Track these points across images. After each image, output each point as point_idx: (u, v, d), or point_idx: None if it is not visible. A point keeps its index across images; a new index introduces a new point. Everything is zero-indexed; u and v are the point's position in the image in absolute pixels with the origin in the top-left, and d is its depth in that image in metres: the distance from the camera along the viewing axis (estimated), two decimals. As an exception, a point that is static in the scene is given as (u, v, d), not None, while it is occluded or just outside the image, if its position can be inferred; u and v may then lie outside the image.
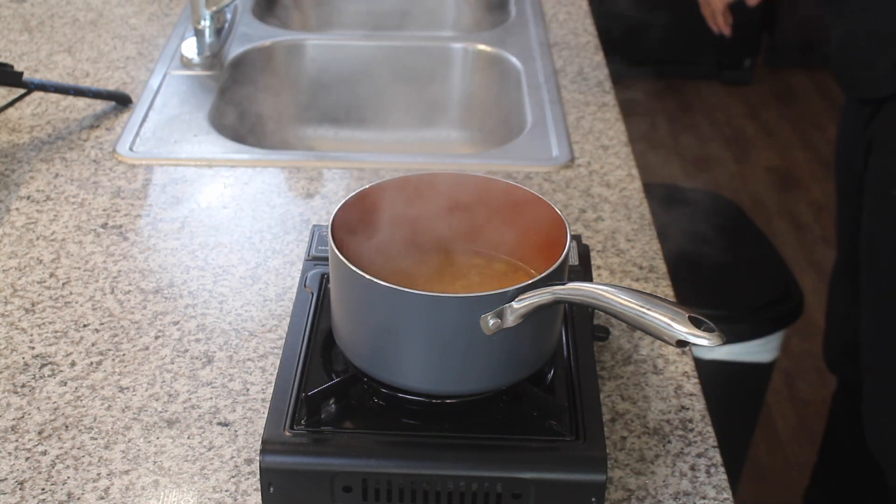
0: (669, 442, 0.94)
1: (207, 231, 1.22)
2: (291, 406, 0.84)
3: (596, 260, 1.18)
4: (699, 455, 0.93)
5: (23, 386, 0.99)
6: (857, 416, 1.75)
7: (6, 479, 0.89)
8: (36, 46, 1.67)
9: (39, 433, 0.94)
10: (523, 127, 1.48)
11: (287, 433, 0.81)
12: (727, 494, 0.89)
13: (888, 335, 1.51)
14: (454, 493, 0.80)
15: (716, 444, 0.94)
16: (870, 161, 1.51)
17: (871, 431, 1.57)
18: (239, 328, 1.07)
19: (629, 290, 0.76)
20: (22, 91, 1.43)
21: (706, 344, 0.72)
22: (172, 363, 1.02)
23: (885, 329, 1.52)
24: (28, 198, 1.28)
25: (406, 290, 0.79)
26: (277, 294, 1.12)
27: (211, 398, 0.98)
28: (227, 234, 1.22)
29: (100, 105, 1.49)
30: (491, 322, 0.79)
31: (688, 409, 0.98)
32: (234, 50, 1.66)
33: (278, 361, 0.92)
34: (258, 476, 0.84)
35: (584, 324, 0.94)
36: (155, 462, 0.91)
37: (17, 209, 1.25)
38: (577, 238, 1.04)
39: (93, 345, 1.04)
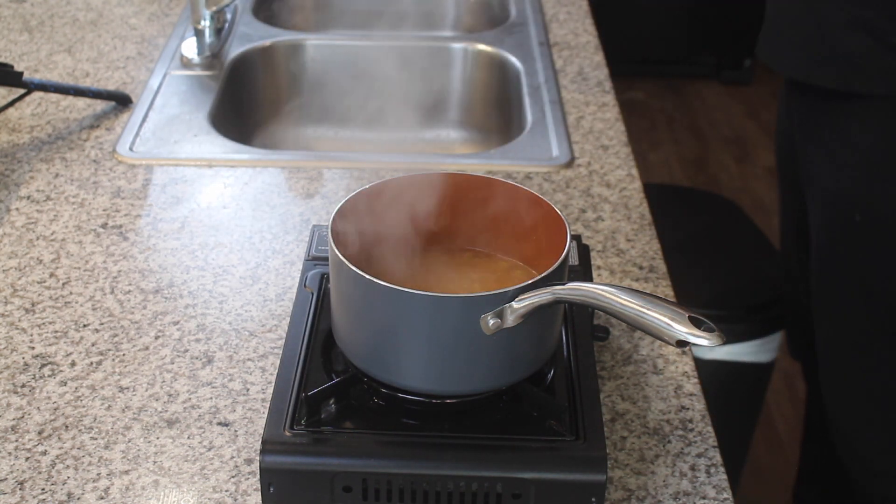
0: (669, 442, 0.94)
1: (207, 231, 1.22)
2: (291, 406, 0.84)
3: (596, 260, 1.18)
4: (699, 455, 0.93)
5: (23, 386, 0.99)
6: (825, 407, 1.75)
7: (6, 479, 0.89)
8: (36, 46, 1.67)
9: (39, 433, 0.94)
10: (523, 127, 1.48)
11: (287, 433, 0.81)
12: (727, 494, 0.89)
13: (844, 354, 1.51)
14: (454, 493, 0.80)
15: (716, 444, 0.94)
16: (814, 173, 1.45)
17: (840, 445, 1.57)
18: (239, 328, 1.07)
19: (629, 290, 0.76)
20: (22, 91, 1.43)
21: (706, 344, 0.72)
22: (172, 363, 1.02)
23: (841, 348, 1.51)
24: (28, 198, 1.28)
25: (406, 290, 0.79)
26: (277, 294, 1.12)
27: (211, 398, 0.98)
28: (227, 234, 1.22)
29: (100, 105, 1.49)
30: (491, 322, 0.79)
31: (688, 409, 0.98)
32: (234, 50, 1.66)
33: (278, 361, 0.92)
34: (258, 476, 0.84)
35: (584, 324, 0.94)
36: (155, 462, 0.91)
37: (17, 209, 1.25)
38: (577, 238, 1.04)
39: (93, 345, 1.04)
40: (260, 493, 0.83)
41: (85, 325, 1.07)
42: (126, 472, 0.90)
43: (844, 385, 1.53)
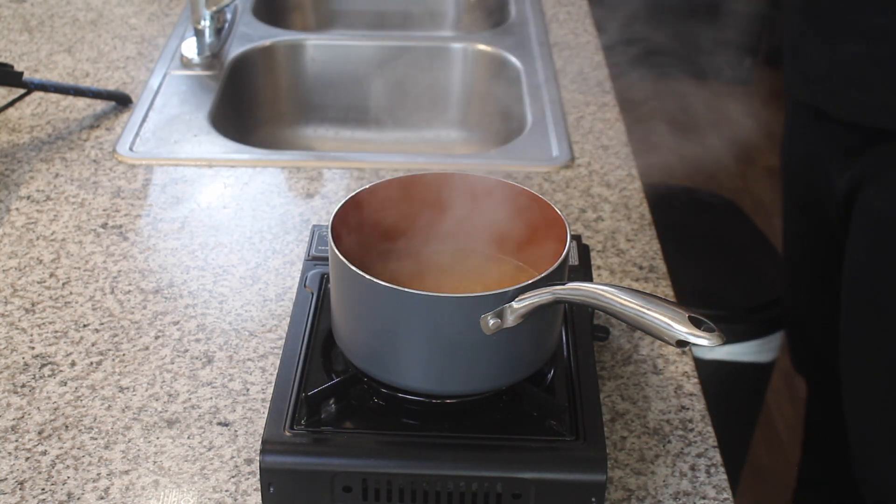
0: (669, 442, 0.94)
1: (207, 231, 1.22)
2: (291, 406, 0.84)
3: (596, 260, 1.18)
4: (699, 455, 0.93)
5: (23, 386, 0.99)
6: (828, 417, 1.74)
7: (6, 479, 0.89)
8: (36, 46, 1.67)
9: (39, 433, 0.94)
10: (523, 127, 1.49)
11: (287, 433, 0.81)
12: (727, 494, 0.89)
13: (877, 375, 1.49)
14: (454, 493, 0.80)
15: (716, 444, 0.94)
16: (861, 197, 1.41)
17: (858, 468, 1.56)
18: (239, 328, 1.07)
19: (629, 290, 0.76)
20: (22, 91, 1.43)
21: (706, 344, 0.72)
22: (172, 363, 1.02)
23: (874, 367, 1.49)
24: (28, 198, 1.28)
25: (406, 290, 0.79)
26: (277, 294, 1.12)
27: (211, 398, 0.98)
28: (227, 234, 1.22)
29: (100, 105, 1.49)
30: (491, 322, 0.79)
31: (688, 409, 0.98)
32: (234, 50, 1.66)
33: (278, 361, 0.92)
34: (258, 476, 0.84)
35: (584, 324, 0.94)
36: (155, 462, 0.91)
37: (17, 209, 1.26)
38: (577, 238, 1.04)
39: (93, 345, 1.04)
40: (260, 493, 0.83)
41: (85, 325, 1.07)
42: (126, 472, 0.90)
43: (873, 406, 1.50)
